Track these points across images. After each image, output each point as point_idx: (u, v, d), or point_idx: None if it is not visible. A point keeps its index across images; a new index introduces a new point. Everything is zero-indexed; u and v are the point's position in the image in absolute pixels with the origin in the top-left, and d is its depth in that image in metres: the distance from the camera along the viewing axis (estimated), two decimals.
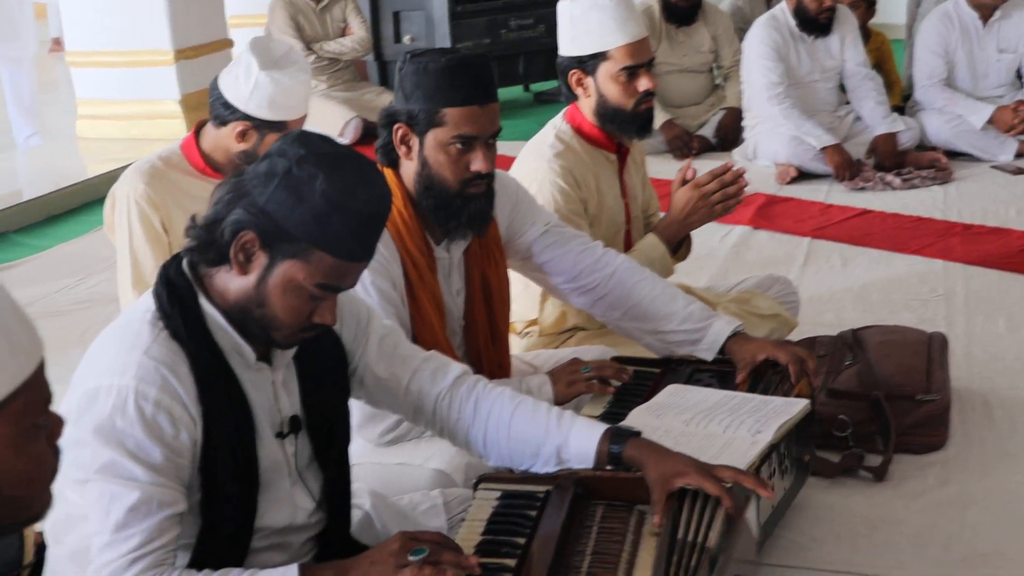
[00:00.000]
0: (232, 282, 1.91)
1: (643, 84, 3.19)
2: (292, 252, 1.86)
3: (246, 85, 3.18)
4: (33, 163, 7.77)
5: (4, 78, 7.97)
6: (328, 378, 2.11)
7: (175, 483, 1.88)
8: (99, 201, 6.27)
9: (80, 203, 6.43)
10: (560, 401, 2.59)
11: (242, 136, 3.24)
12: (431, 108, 2.51)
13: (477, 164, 2.54)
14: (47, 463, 1.29)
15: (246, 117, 3.21)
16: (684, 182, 3.26)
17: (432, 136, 2.53)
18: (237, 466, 1.92)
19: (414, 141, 2.56)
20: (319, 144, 1.90)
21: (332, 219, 1.84)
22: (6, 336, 1.22)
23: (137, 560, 1.83)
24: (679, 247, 3.36)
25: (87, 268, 5.28)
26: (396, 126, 2.57)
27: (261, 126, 3.21)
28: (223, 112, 3.23)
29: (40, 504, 1.31)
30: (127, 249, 3.32)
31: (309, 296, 1.89)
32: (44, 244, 5.78)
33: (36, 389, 1.25)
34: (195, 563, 1.94)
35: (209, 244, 1.90)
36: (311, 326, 1.94)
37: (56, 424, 1.30)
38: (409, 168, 2.60)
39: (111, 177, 6.15)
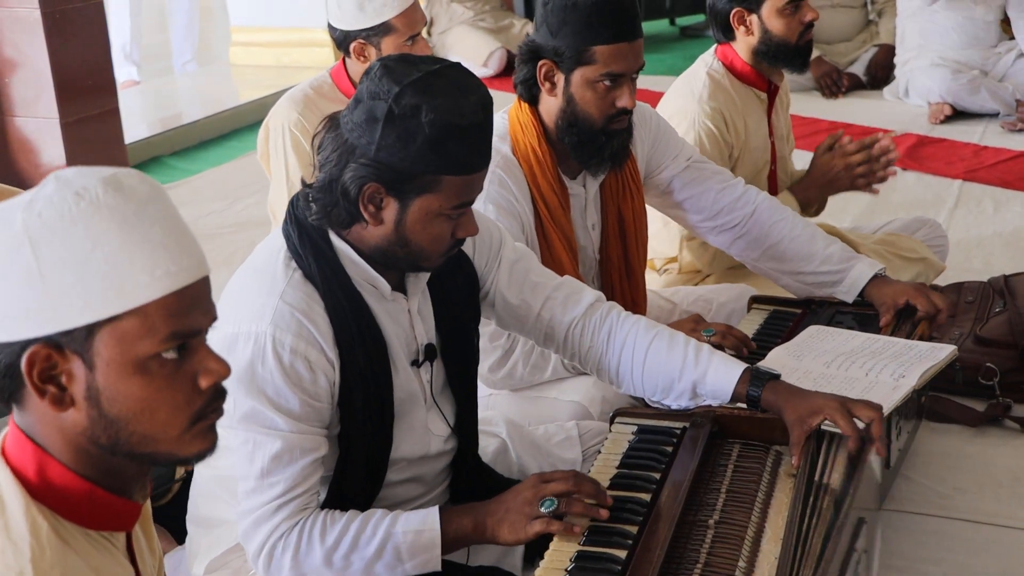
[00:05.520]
0: (369, 234, 1.91)
1: (808, 15, 3.20)
2: (421, 187, 1.85)
3: (335, 4, 3.26)
4: (187, 88, 7.96)
5: (174, 2, 8.11)
6: (461, 302, 2.12)
7: (316, 427, 1.91)
8: (250, 127, 6.44)
9: (231, 129, 6.58)
10: None
11: (361, 54, 3.30)
12: (580, 45, 2.48)
13: (624, 100, 2.52)
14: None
15: (354, 35, 3.27)
16: (830, 148, 3.26)
17: (580, 73, 2.51)
18: (372, 397, 1.94)
19: (559, 78, 2.54)
20: (405, 71, 1.83)
21: (448, 143, 1.82)
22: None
23: (283, 506, 1.89)
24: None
25: (236, 192, 5.41)
26: (540, 63, 2.54)
27: (369, 36, 3.26)
28: (339, 39, 3.32)
29: None
30: (283, 176, 3.40)
31: (448, 219, 1.90)
32: (195, 168, 5.94)
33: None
34: (333, 493, 1.98)
35: (334, 205, 1.88)
36: (456, 243, 1.95)
37: None
38: (551, 104, 2.58)
39: (262, 104, 6.32)
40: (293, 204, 1.96)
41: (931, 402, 2.95)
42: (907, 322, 2.62)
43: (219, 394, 1.32)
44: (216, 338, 1.89)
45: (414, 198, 1.86)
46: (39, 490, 1.27)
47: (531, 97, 2.61)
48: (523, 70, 2.59)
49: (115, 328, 1.23)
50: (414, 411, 2.04)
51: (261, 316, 1.86)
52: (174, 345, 1.26)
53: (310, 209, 1.91)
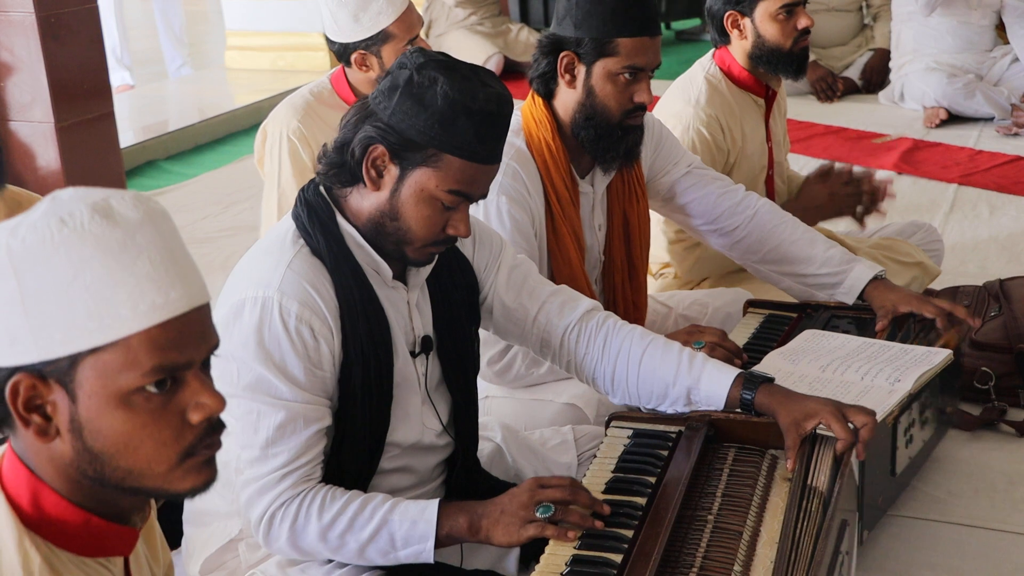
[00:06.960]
0: (366, 199, 1.95)
1: (802, 21, 3.21)
2: (421, 160, 1.89)
3: (330, 18, 3.26)
4: (183, 93, 7.96)
5: (156, 9, 8.16)
6: (459, 302, 2.13)
7: (320, 397, 1.93)
8: (245, 131, 6.44)
9: (226, 133, 6.58)
10: None
11: (363, 64, 3.30)
12: (604, 37, 2.50)
13: (642, 95, 2.54)
14: None
15: (353, 46, 3.27)
16: (823, 177, 3.28)
17: (601, 65, 2.52)
18: (372, 376, 1.96)
19: (580, 70, 2.55)
20: (436, 54, 1.93)
21: (457, 121, 1.86)
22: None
23: (287, 476, 1.91)
24: None
25: (231, 196, 5.41)
26: (563, 54, 2.55)
27: (368, 46, 3.26)
28: (339, 51, 3.31)
29: None
30: (275, 182, 3.40)
31: (441, 205, 1.92)
32: (191, 172, 5.94)
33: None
34: (327, 476, 1.99)
35: (341, 165, 1.94)
36: (444, 239, 1.96)
37: None
38: (569, 97, 2.59)
39: (257, 108, 6.32)
40: (303, 190, 2.01)
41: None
42: (930, 331, 2.60)
43: (214, 428, 1.26)
44: (224, 308, 1.91)
45: (413, 169, 1.90)
46: (33, 519, 1.23)
47: (547, 91, 2.62)
48: (542, 63, 2.60)
49: (97, 360, 1.18)
50: (410, 397, 2.06)
51: (268, 283, 1.90)
52: (158, 379, 1.20)
53: (320, 164, 1.97)
